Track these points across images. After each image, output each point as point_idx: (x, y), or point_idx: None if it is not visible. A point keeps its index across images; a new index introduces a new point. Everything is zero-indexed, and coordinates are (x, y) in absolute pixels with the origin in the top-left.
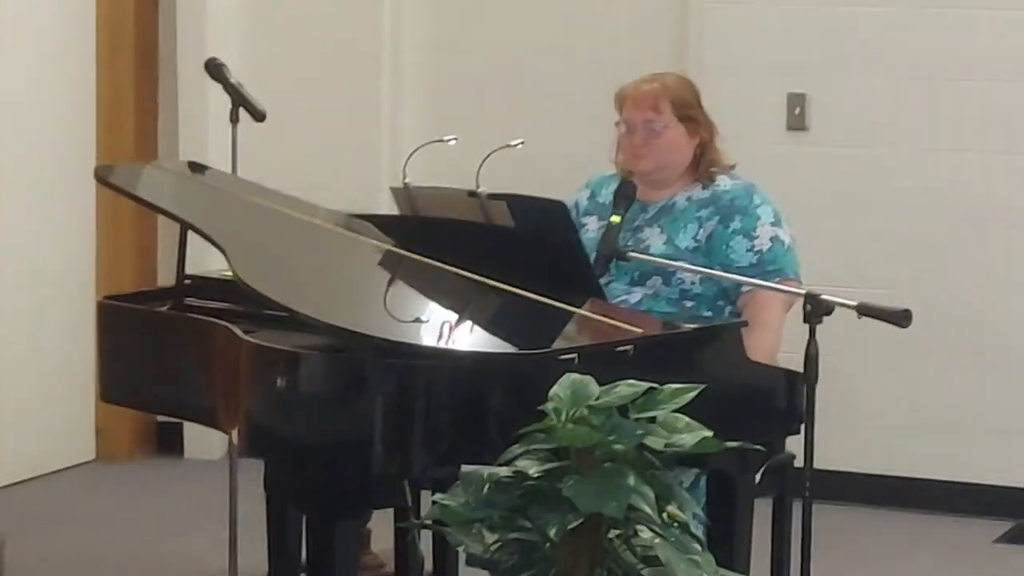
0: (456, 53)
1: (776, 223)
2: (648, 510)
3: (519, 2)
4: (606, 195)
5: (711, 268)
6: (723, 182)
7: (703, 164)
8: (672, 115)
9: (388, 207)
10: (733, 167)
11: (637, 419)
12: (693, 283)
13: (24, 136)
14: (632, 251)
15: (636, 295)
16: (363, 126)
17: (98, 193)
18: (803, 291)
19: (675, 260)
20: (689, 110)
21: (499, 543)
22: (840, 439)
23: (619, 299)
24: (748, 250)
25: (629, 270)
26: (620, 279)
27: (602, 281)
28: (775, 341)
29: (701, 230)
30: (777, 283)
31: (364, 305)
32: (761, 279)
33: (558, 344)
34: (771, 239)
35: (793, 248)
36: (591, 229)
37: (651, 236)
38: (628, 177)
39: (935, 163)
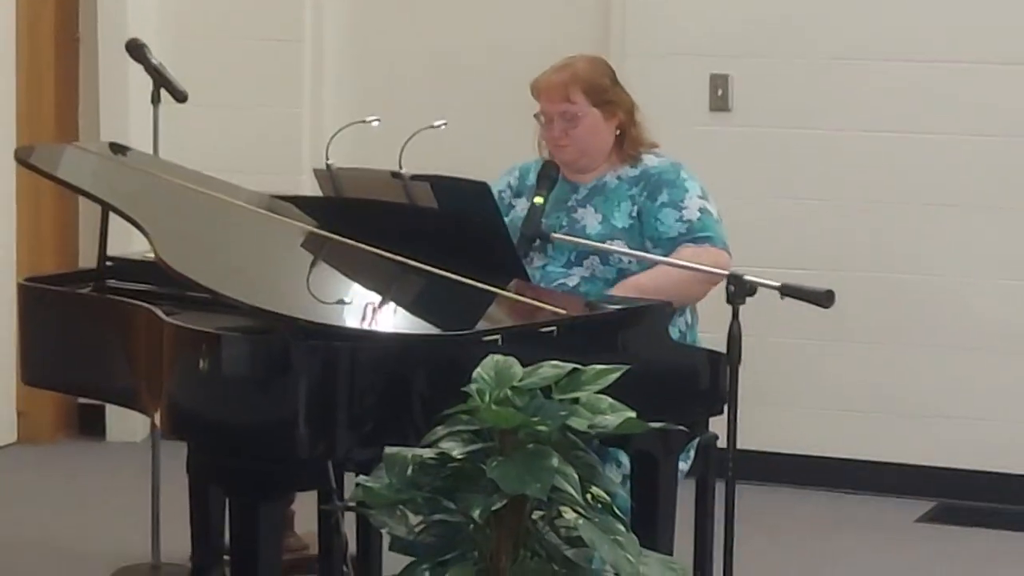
0: (378, 34)
1: (704, 197)
2: (572, 491)
3: None
4: (534, 177)
5: (643, 243)
6: (651, 160)
7: (627, 143)
8: (586, 102)
9: (311, 188)
10: (656, 146)
11: (561, 400)
12: (631, 262)
13: None
14: (555, 233)
15: (574, 277)
16: (285, 107)
17: (18, 174)
18: (726, 272)
19: (611, 239)
20: (603, 94)
21: (423, 525)
22: (763, 419)
23: (557, 281)
24: (677, 220)
25: (566, 250)
26: (556, 261)
27: (539, 264)
28: (668, 285)
29: (634, 207)
30: (707, 249)
31: (287, 287)
32: (692, 244)
33: (482, 325)
34: (700, 210)
35: (721, 222)
36: (521, 210)
37: (586, 216)
38: (550, 159)
39: (857, 143)
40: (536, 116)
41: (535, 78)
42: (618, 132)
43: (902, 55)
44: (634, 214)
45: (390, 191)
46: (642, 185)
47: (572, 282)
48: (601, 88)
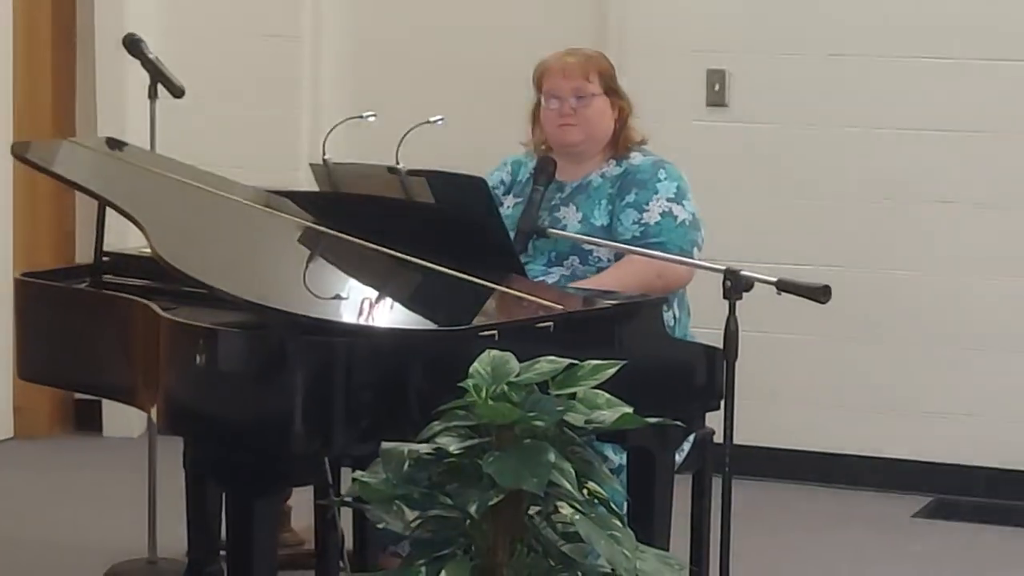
0: (375, 30)
1: (675, 199)
2: (568, 486)
3: None
4: (524, 174)
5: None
6: (636, 159)
7: (621, 140)
8: (600, 86)
9: (307, 183)
10: (643, 143)
11: (557, 395)
12: (610, 260)
13: None
14: (551, 228)
15: (554, 275)
16: (282, 102)
17: (15, 169)
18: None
19: (590, 237)
20: (613, 83)
21: (419, 520)
22: (759, 415)
23: (537, 279)
24: (635, 222)
25: (546, 250)
26: (537, 259)
27: (521, 259)
28: (626, 277)
29: (610, 205)
30: (629, 260)
31: (283, 282)
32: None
33: (478, 321)
34: (662, 213)
35: (689, 225)
36: (508, 206)
37: (567, 215)
38: (546, 154)
39: (854, 139)
40: (540, 98)
41: (542, 60)
42: (617, 126)
43: (900, 51)
44: (610, 212)
45: (387, 186)
46: (619, 184)
47: (551, 279)
48: (612, 76)
